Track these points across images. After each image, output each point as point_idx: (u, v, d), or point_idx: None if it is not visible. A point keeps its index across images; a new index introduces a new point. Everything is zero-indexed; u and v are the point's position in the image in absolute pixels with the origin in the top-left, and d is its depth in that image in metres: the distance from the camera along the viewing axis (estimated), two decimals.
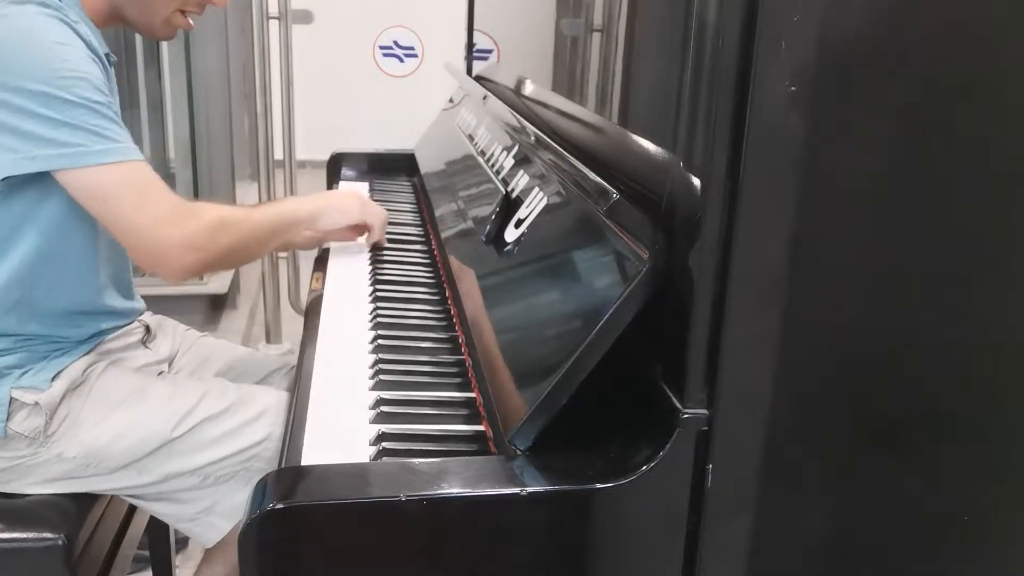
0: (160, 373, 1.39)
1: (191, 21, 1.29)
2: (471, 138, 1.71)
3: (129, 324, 1.39)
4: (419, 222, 1.77)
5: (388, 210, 1.61)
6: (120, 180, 1.11)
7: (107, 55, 1.23)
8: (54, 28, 1.10)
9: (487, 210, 1.27)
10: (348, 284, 1.39)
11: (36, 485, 1.21)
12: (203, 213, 1.18)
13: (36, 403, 1.18)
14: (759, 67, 0.73)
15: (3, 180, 1.11)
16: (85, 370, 1.24)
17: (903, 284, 0.83)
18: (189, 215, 1.16)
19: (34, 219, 1.15)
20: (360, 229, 1.53)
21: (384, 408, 1.00)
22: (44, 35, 1.09)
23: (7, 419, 1.17)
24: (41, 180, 1.13)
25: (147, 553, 1.62)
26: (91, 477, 1.21)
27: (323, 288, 1.38)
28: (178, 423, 1.21)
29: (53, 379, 1.20)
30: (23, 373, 1.20)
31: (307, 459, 0.90)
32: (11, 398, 1.18)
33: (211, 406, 1.23)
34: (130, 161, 1.11)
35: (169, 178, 3.32)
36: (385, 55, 5.81)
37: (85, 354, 1.26)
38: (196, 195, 3.22)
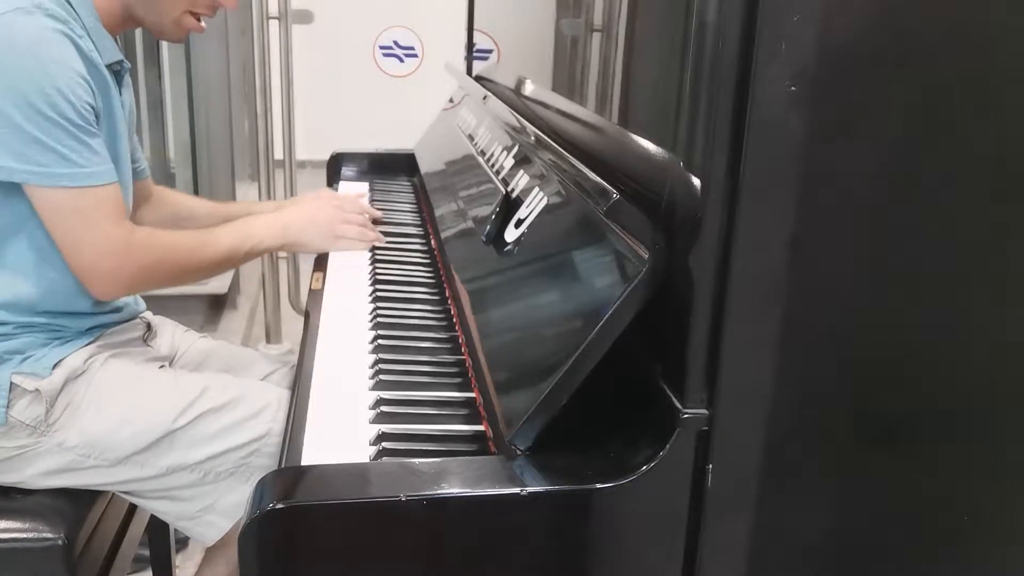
0: (160, 367, 1.40)
1: (203, 24, 1.30)
2: (471, 138, 1.71)
3: (130, 320, 1.39)
4: (419, 222, 1.77)
5: (388, 210, 1.61)
6: (73, 203, 1.15)
7: (120, 62, 1.26)
8: (55, 43, 1.12)
9: (487, 210, 1.27)
10: (348, 284, 1.39)
11: (38, 477, 1.22)
12: (142, 252, 1.22)
13: (37, 390, 1.19)
14: (759, 67, 0.73)
15: None
16: (86, 360, 1.24)
17: (903, 284, 0.83)
18: (128, 251, 1.20)
19: (33, 218, 1.17)
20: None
21: (384, 408, 1.00)
22: (42, 50, 1.11)
23: (8, 406, 1.18)
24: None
25: (147, 553, 1.62)
26: (92, 469, 1.22)
27: (323, 288, 1.38)
28: (179, 414, 1.22)
29: (54, 367, 1.21)
30: (24, 359, 1.20)
31: (307, 459, 0.90)
32: (12, 384, 1.19)
33: (213, 399, 1.24)
34: (87, 187, 1.14)
35: (169, 178, 3.32)
36: (385, 55, 5.81)
37: (86, 344, 1.27)
38: (196, 195, 3.21)
